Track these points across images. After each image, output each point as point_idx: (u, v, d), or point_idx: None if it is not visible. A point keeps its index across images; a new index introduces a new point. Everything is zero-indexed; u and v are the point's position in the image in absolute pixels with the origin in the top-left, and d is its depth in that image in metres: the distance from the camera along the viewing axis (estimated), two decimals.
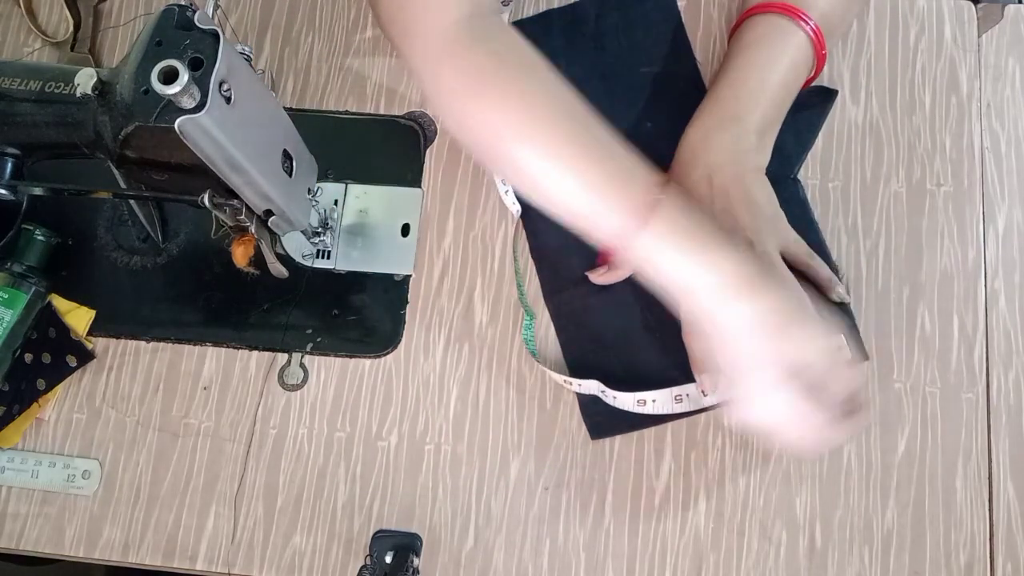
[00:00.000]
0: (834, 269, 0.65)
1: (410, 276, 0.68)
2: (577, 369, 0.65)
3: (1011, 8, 0.73)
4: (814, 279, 0.63)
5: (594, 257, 0.67)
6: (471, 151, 0.66)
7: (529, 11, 0.74)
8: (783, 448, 0.63)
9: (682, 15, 0.74)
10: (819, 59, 0.65)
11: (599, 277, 0.66)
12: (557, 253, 0.68)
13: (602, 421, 0.64)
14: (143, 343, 0.68)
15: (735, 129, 0.63)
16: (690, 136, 0.65)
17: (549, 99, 0.56)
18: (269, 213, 0.57)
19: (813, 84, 0.69)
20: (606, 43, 0.72)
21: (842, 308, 0.64)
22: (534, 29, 0.72)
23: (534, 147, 0.54)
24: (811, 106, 0.69)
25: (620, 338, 0.66)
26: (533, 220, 0.68)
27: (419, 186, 0.70)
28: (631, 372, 0.65)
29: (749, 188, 0.62)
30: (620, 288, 0.66)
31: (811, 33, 0.63)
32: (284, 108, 0.59)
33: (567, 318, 0.67)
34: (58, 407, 0.67)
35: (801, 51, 0.64)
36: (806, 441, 0.54)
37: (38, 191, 0.57)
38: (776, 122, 0.65)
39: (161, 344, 0.68)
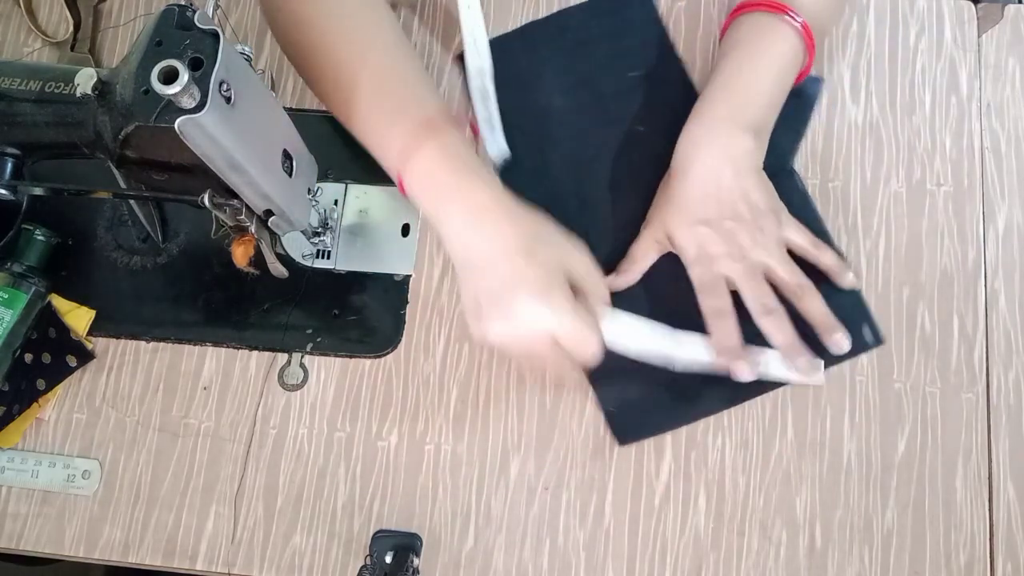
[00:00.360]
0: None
1: (410, 276, 0.68)
2: (597, 379, 0.64)
3: (1011, 8, 0.73)
4: (822, 267, 0.64)
5: (603, 265, 0.66)
6: (281, 44, 0.67)
7: (510, 25, 0.74)
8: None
9: (681, 15, 0.74)
10: (809, 53, 0.65)
11: (612, 281, 0.65)
12: None
13: (627, 423, 0.64)
14: (143, 343, 0.68)
15: (731, 130, 0.63)
16: (686, 138, 0.65)
17: (364, 13, 0.60)
18: (269, 213, 0.57)
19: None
20: (591, 51, 0.72)
21: (853, 294, 0.65)
22: (518, 43, 0.72)
23: (336, 56, 0.58)
24: (798, 95, 0.69)
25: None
26: None
27: None
28: (652, 377, 0.64)
29: (748, 189, 0.63)
30: (632, 297, 0.66)
31: (800, 28, 0.64)
32: (284, 108, 0.59)
33: None
34: (58, 407, 0.67)
35: (791, 46, 0.64)
36: (538, 368, 0.59)
37: (38, 191, 0.57)
38: (771, 119, 0.65)
39: (161, 344, 0.68)
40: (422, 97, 0.61)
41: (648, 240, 0.66)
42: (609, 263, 0.67)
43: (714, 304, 0.63)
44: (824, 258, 0.64)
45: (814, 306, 0.63)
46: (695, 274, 0.64)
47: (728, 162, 0.63)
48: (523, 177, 0.69)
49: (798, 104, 0.69)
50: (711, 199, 0.63)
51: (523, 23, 0.74)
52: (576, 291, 0.58)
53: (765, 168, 0.65)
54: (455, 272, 0.68)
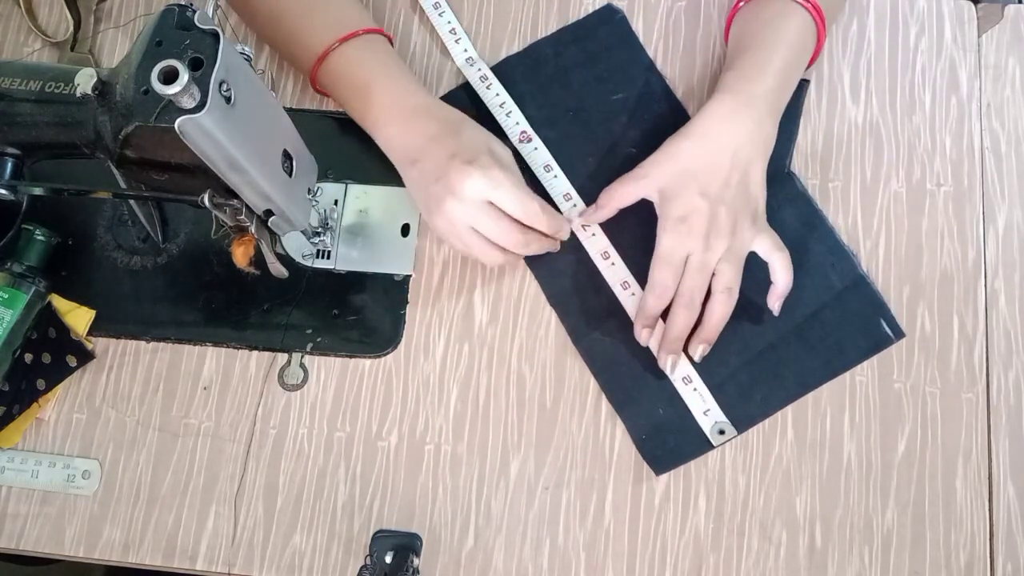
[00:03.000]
0: (848, 255, 0.66)
1: (410, 276, 0.68)
2: (623, 406, 0.65)
3: (1011, 8, 0.73)
4: (773, 276, 0.64)
5: (607, 292, 0.66)
6: None
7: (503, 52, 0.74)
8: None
9: (681, 15, 0.74)
10: (820, 37, 0.66)
11: (582, 219, 0.67)
12: (573, 296, 0.67)
13: (662, 455, 0.64)
14: (143, 343, 0.68)
15: (763, 111, 0.63)
16: (715, 108, 0.63)
17: None
18: (269, 213, 0.56)
19: None
20: (571, 79, 0.72)
21: (869, 290, 0.66)
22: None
23: None
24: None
25: (658, 367, 0.64)
26: (541, 268, 0.68)
27: None
28: (679, 398, 0.64)
29: (752, 178, 0.63)
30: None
31: (812, 10, 0.64)
32: (284, 108, 0.59)
33: (601, 358, 0.66)
34: (58, 407, 0.67)
35: (806, 29, 0.65)
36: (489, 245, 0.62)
37: (38, 191, 0.57)
38: (784, 103, 0.66)
39: (161, 344, 0.68)
40: (347, 8, 0.68)
41: (637, 184, 0.64)
42: (613, 297, 0.67)
43: (666, 279, 0.63)
44: (777, 271, 0.64)
45: (722, 312, 0.63)
46: (667, 237, 0.63)
47: (752, 142, 0.63)
48: None
49: (790, 108, 0.69)
50: (719, 173, 0.62)
51: (519, 26, 0.74)
52: None
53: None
54: (453, 268, 0.68)
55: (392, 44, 0.70)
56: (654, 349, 0.65)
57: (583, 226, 0.68)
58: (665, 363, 0.64)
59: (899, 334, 0.65)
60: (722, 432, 0.63)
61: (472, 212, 0.60)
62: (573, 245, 0.68)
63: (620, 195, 0.65)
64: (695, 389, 0.64)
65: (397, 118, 0.64)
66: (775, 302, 0.64)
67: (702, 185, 0.62)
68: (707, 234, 0.62)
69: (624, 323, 0.66)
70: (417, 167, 0.63)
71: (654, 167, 0.64)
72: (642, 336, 0.64)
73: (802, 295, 0.66)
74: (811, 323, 0.65)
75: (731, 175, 0.62)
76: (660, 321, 0.64)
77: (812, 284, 0.66)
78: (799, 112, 0.70)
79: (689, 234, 0.62)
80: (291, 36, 0.68)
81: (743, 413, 0.64)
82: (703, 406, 0.64)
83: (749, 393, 0.64)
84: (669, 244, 0.63)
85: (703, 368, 0.64)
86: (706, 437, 0.64)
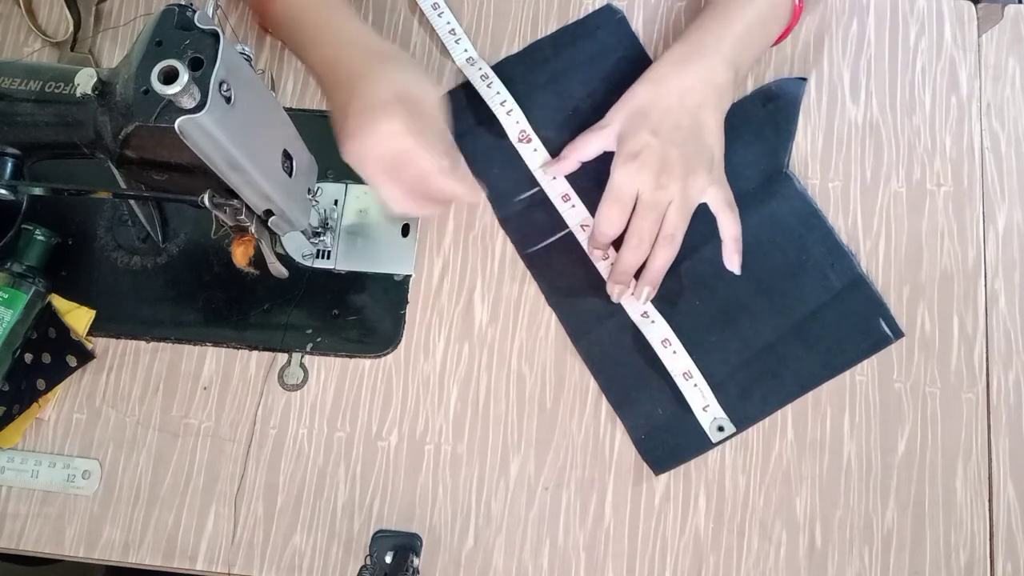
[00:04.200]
0: (847, 255, 0.66)
1: (410, 276, 0.68)
2: (622, 406, 0.65)
3: (1011, 8, 0.73)
4: (721, 231, 0.65)
5: (605, 292, 0.66)
6: None
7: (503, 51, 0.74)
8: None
9: (682, 15, 0.74)
10: (796, 10, 0.67)
11: (546, 169, 0.69)
12: (572, 295, 0.67)
13: (662, 454, 0.64)
14: (143, 343, 0.68)
15: (716, 59, 0.65)
16: (669, 56, 0.66)
17: None
18: (269, 213, 0.56)
19: (785, 77, 0.70)
20: (570, 79, 0.72)
21: (868, 290, 0.66)
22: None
23: None
24: (783, 96, 0.70)
25: (657, 366, 0.65)
26: (540, 267, 0.68)
27: None
28: (678, 398, 0.64)
29: (706, 126, 0.64)
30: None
31: None
32: (284, 108, 0.59)
33: (600, 358, 0.66)
34: (58, 407, 0.67)
35: None
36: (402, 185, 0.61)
37: (38, 191, 0.57)
38: (751, 60, 0.67)
39: (161, 344, 0.68)
40: None
41: (598, 135, 0.67)
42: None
43: (612, 215, 0.64)
44: (727, 227, 0.65)
45: (664, 258, 0.64)
46: (618, 173, 0.64)
47: (703, 87, 0.64)
48: (522, 209, 0.69)
49: (783, 105, 0.70)
50: (670, 114, 0.64)
51: (519, 26, 0.74)
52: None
53: (760, 171, 0.66)
54: (453, 268, 0.68)
55: None
56: (603, 272, 0.66)
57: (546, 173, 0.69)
58: (612, 291, 0.65)
59: (898, 333, 0.65)
60: (721, 429, 0.63)
61: (380, 160, 0.60)
62: (573, 244, 0.68)
63: (581, 146, 0.67)
64: (695, 385, 0.64)
65: (329, 46, 0.64)
66: (729, 258, 0.65)
67: (654, 124, 0.64)
68: (658, 173, 0.63)
69: (624, 324, 0.66)
70: (341, 98, 0.62)
71: (613, 114, 0.66)
72: (595, 255, 0.66)
73: (801, 295, 0.66)
74: (810, 323, 0.65)
75: (681, 117, 0.63)
76: (613, 250, 0.66)
77: (811, 284, 0.66)
78: (796, 112, 0.70)
79: (639, 170, 0.63)
80: None
81: (742, 412, 0.64)
82: (703, 402, 0.64)
83: (748, 392, 0.64)
84: (619, 179, 0.64)
85: (703, 365, 0.64)
86: (706, 436, 0.64)
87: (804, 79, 0.71)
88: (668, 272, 0.65)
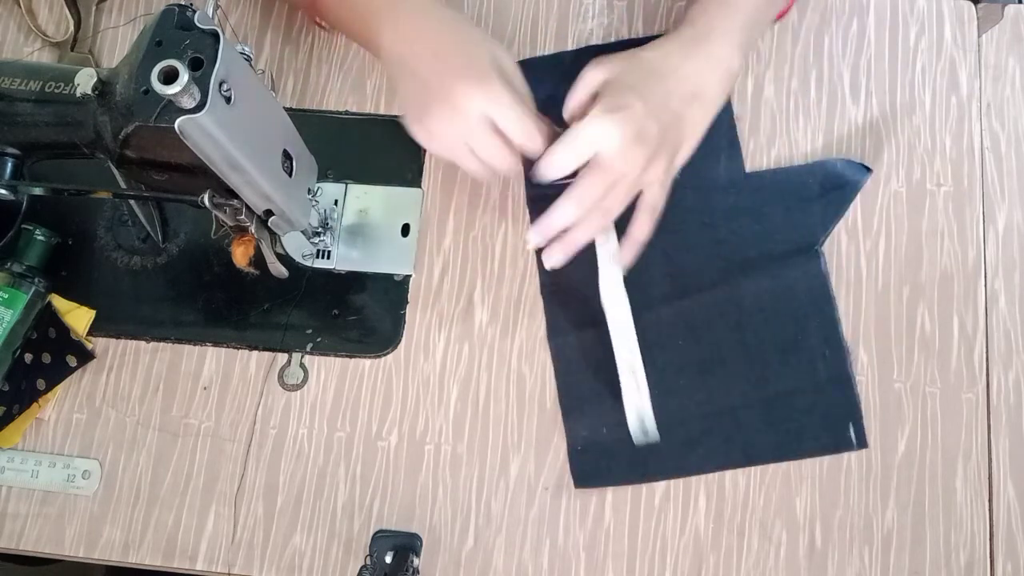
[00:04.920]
0: (843, 350, 0.65)
1: (410, 276, 0.68)
2: (570, 413, 0.64)
3: (1011, 8, 0.73)
4: (631, 229, 0.62)
5: (598, 303, 0.64)
6: None
7: (508, 26, 0.74)
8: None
9: (682, 14, 0.74)
10: None
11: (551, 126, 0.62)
12: (566, 294, 0.67)
13: (590, 471, 0.63)
14: (143, 343, 0.68)
15: (711, 47, 0.61)
16: (668, 42, 0.62)
17: None
18: (269, 213, 0.56)
19: (849, 159, 0.69)
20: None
21: (849, 390, 0.64)
22: (550, 68, 0.71)
23: None
24: (843, 179, 0.68)
25: (619, 389, 0.63)
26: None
27: (419, 186, 0.70)
28: (626, 424, 0.63)
29: (696, 116, 0.61)
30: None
31: None
32: (284, 108, 0.59)
33: (567, 362, 0.66)
34: (58, 407, 0.67)
35: None
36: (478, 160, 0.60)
37: (38, 191, 0.57)
38: (748, 44, 0.64)
39: (161, 344, 0.68)
40: None
41: (589, 78, 0.61)
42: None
43: (566, 160, 0.59)
44: (638, 231, 0.62)
45: (645, 228, 0.62)
46: (589, 122, 0.58)
47: (706, 75, 0.61)
48: None
49: (841, 189, 0.68)
50: (664, 91, 0.59)
51: (519, 26, 0.74)
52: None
53: (792, 243, 0.66)
54: (453, 269, 0.68)
55: None
56: (541, 243, 0.62)
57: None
58: (551, 257, 0.62)
59: (862, 444, 0.64)
60: (645, 431, 0.62)
61: (470, 129, 0.58)
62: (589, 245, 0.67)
63: (575, 94, 0.61)
64: (636, 385, 0.62)
65: (395, 24, 0.60)
66: (624, 253, 0.63)
67: (645, 92, 0.59)
68: (630, 141, 0.57)
69: (602, 338, 0.64)
70: (416, 76, 0.59)
71: (609, 59, 0.61)
72: (555, 253, 0.62)
73: (783, 372, 0.64)
74: (781, 402, 0.64)
75: (673, 98, 0.60)
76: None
77: (797, 365, 0.65)
78: (851, 199, 0.68)
79: (612, 127, 0.57)
80: None
81: (680, 461, 0.63)
82: (637, 400, 0.62)
83: (694, 444, 0.63)
84: (588, 127, 0.58)
85: (662, 403, 0.62)
86: (637, 467, 0.63)
87: (869, 169, 0.68)
88: (662, 304, 0.65)
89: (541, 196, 0.67)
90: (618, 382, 0.62)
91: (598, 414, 0.64)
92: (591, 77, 0.61)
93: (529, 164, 0.61)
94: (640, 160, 0.58)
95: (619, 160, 0.58)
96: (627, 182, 0.59)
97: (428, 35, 0.60)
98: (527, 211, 0.69)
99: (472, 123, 0.57)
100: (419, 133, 0.60)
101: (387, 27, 0.60)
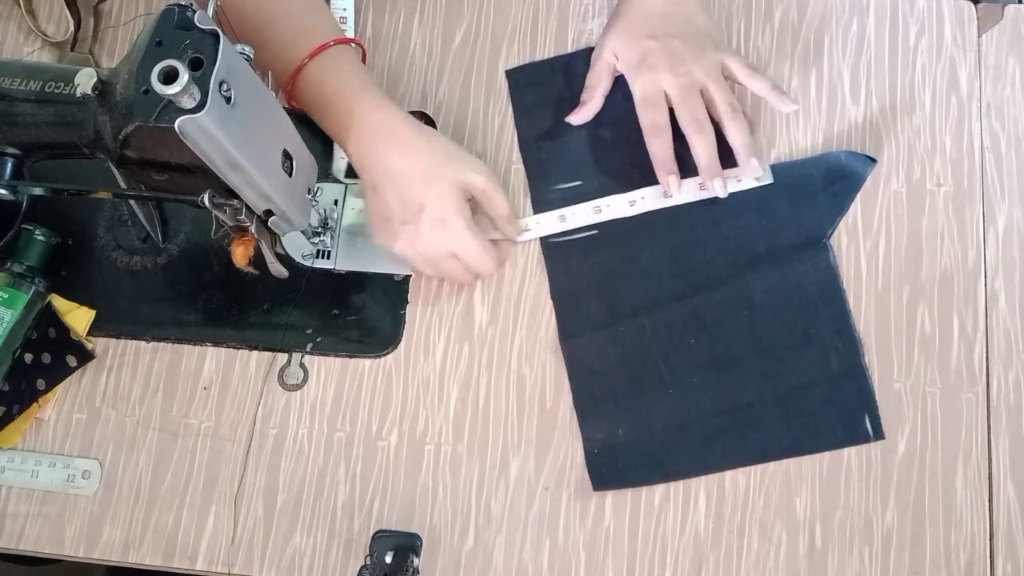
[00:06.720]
0: (856, 342, 0.65)
1: (410, 276, 0.68)
2: (586, 415, 0.65)
3: (1011, 8, 0.73)
4: (758, 93, 0.67)
5: (612, 299, 0.66)
6: None
7: (508, 27, 0.74)
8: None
9: None
10: None
11: (575, 117, 0.70)
12: (576, 297, 0.67)
13: (608, 473, 0.64)
14: (143, 343, 0.68)
15: None
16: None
17: None
18: (269, 213, 0.56)
19: (855, 151, 0.69)
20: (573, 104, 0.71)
21: (865, 383, 0.64)
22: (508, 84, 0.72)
23: None
24: (849, 172, 0.68)
25: (633, 389, 0.64)
26: (555, 257, 0.68)
27: None
28: (642, 425, 0.64)
29: (692, 12, 0.68)
30: (637, 339, 0.65)
31: None
32: (284, 108, 0.59)
33: (580, 364, 0.65)
34: (58, 407, 0.67)
35: None
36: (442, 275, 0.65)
37: (38, 191, 0.57)
38: None
39: (161, 344, 0.68)
40: (321, 23, 0.65)
41: (601, 64, 0.69)
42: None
43: (654, 118, 0.67)
44: (757, 85, 0.67)
45: (739, 129, 0.66)
46: (637, 85, 0.67)
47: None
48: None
49: (846, 180, 0.68)
50: (657, 17, 0.67)
51: (519, 27, 0.74)
52: (477, 207, 0.65)
53: (800, 236, 0.66)
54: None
55: (364, 53, 0.68)
56: (675, 190, 0.66)
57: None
58: (713, 186, 0.66)
59: (879, 435, 0.64)
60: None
61: (434, 260, 0.63)
62: (596, 246, 0.67)
63: (591, 79, 0.70)
64: None
65: (357, 136, 0.63)
66: (778, 105, 0.68)
67: (646, 30, 0.67)
68: (672, 65, 0.66)
69: (615, 339, 0.65)
70: (379, 196, 0.63)
71: (604, 37, 0.70)
72: (669, 183, 0.66)
73: (797, 366, 0.65)
74: (795, 396, 0.64)
75: (666, 14, 0.67)
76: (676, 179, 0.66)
77: (810, 359, 0.65)
78: (856, 190, 0.68)
79: (653, 70, 0.66)
80: (263, 45, 0.64)
81: (698, 460, 0.63)
82: None
83: (711, 442, 0.64)
84: (641, 89, 0.67)
85: (678, 403, 0.64)
86: (656, 468, 0.63)
87: (874, 160, 0.69)
88: (673, 303, 0.66)
89: (548, 202, 0.69)
90: (632, 383, 0.64)
91: (613, 416, 0.64)
92: (606, 65, 0.69)
93: (535, 168, 0.69)
94: (694, 65, 0.65)
95: (683, 80, 0.65)
96: (709, 80, 0.66)
97: (392, 159, 0.62)
98: (527, 211, 0.69)
99: (435, 258, 0.63)
100: (379, 239, 0.64)
101: (352, 140, 0.63)
